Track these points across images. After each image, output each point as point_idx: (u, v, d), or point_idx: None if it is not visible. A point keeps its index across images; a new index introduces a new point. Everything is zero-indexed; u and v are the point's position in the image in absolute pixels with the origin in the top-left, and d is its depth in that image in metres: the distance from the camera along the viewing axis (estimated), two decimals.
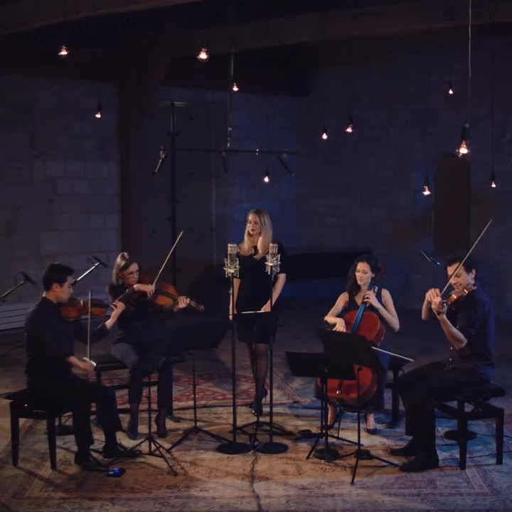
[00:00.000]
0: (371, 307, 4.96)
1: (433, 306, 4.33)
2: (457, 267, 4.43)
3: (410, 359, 4.72)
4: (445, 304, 4.32)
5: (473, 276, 4.48)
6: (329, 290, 5.39)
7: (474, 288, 4.46)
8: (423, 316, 4.58)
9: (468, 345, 4.42)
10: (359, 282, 4.99)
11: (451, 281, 4.47)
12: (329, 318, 5.03)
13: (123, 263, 5.02)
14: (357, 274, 4.99)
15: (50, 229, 8.08)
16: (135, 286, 4.98)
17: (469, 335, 4.38)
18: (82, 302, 4.55)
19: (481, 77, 7.31)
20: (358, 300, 5.02)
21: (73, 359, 4.45)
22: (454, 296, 4.40)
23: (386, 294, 5.06)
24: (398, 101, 9.17)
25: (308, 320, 5.19)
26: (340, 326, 4.93)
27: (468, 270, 4.45)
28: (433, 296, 4.35)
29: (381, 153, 9.36)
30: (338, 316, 5.04)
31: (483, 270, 4.61)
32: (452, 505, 3.94)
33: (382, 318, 4.97)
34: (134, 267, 5.02)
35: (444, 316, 4.32)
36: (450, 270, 4.50)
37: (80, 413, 4.36)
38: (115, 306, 4.75)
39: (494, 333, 4.53)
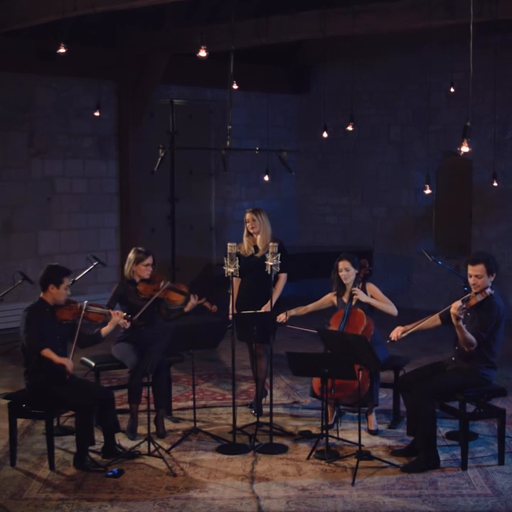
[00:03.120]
0: (360, 304, 4.92)
1: (453, 310, 4.26)
2: (485, 271, 4.38)
3: (313, 330, 4.73)
4: (464, 309, 4.28)
5: (492, 279, 4.45)
6: (329, 289, 5.36)
7: (492, 292, 4.43)
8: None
9: (478, 346, 4.39)
10: (344, 281, 4.97)
11: (471, 281, 4.43)
12: (297, 309, 5.08)
13: (139, 255, 5.00)
14: (340, 273, 4.97)
15: (49, 228, 8.04)
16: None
17: (481, 339, 4.36)
18: (78, 306, 4.49)
19: (483, 75, 7.26)
20: (345, 299, 4.99)
21: (48, 352, 4.33)
22: (473, 301, 4.36)
23: (371, 286, 5.02)
24: (399, 99, 9.13)
25: (308, 320, 5.15)
26: (282, 315, 5.02)
27: (489, 273, 4.41)
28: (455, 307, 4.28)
29: (382, 152, 9.32)
30: (330, 315, 5.03)
31: None
32: (454, 506, 3.92)
33: (370, 314, 4.92)
34: (149, 259, 5.02)
35: (461, 322, 4.27)
36: (471, 270, 4.43)
37: (82, 413, 4.33)
38: (117, 313, 4.61)
39: (502, 337, 4.49)
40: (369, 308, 4.96)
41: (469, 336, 4.31)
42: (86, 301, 4.50)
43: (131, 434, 4.80)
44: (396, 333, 4.63)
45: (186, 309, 5.01)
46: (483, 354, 4.43)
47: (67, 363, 4.35)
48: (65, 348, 4.53)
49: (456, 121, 8.26)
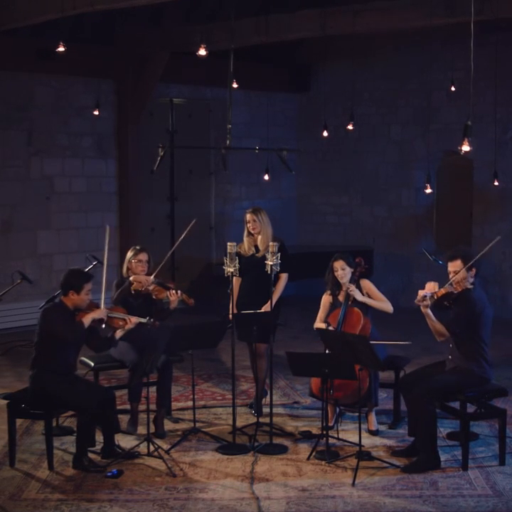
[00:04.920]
0: (356, 303, 4.89)
1: (417, 299, 4.32)
2: (462, 267, 4.37)
3: (407, 342, 4.68)
4: (427, 298, 4.31)
5: (472, 274, 4.43)
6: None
7: (470, 287, 4.41)
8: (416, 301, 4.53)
9: (463, 344, 4.40)
10: (341, 281, 4.94)
11: (451, 277, 4.42)
12: (318, 325, 4.99)
13: (133, 252, 5.03)
14: (336, 273, 4.94)
15: (48, 227, 8.02)
16: (131, 278, 4.91)
17: (453, 331, 4.38)
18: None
19: (484, 74, 7.25)
20: (341, 298, 4.97)
21: (86, 318, 4.31)
22: (443, 291, 4.37)
23: (366, 283, 4.99)
24: (400, 98, 9.11)
25: (308, 320, 5.13)
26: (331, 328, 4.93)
27: (468, 268, 4.40)
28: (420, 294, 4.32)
29: (382, 151, 9.30)
30: (327, 315, 5.00)
31: (486, 269, 4.57)
32: (454, 507, 3.90)
33: (367, 312, 4.90)
34: (143, 255, 5.01)
35: (428, 310, 4.33)
36: (450, 266, 4.45)
37: (85, 414, 4.31)
38: (130, 320, 4.56)
39: (489, 332, 4.48)
40: (365, 307, 4.93)
41: (438, 325, 4.34)
42: (102, 303, 4.45)
43: (132, 427, 4.82)
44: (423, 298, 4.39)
45: (171, 306, 5.00)
46: (476, 351, 4.41)
47: (103, 313, 4.36)
48: (79, 350, 4.49)
49: (456, 120, 8.24)
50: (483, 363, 4.44)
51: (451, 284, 4.37)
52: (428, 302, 4.30)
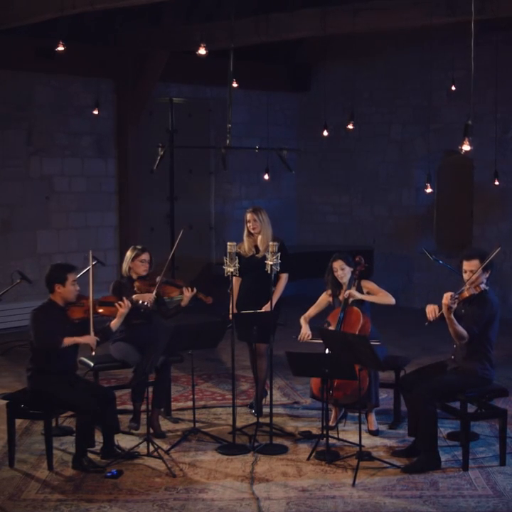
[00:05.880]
0: (357, 302, 4.87)
1: (444, 301, 4.24)
2: (479, 267, 4.35)
3: (377, 342, 4.66)
4: (457, 299, 4.26)
5: (487, 276, 4.43)
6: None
7: (486, 288, 4.41)
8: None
9: (470, 344, 4.38)
10: (341, 280, 4.93)
11: (465, 277, 4.41)
12: (302, 319, 5.01)
13: (135, 252, 5.01)
14: (336, 274, 4.93)
15: (47, 227, 8.01)
16: (134, 296, 4.88)
17: (472, 333, 4.34)
18: (89, 302, 4.43)
19: (484, 73, 7.24)
20: (342, 298, 4.95)
21: (68, 339, 4.30)
22: (466, 293, 4.35)
23: (366, 283, 4.97)
24: (400, 97, 9.10)
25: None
26: (305, 329, 4.96)
27: (484, 269, 4.39)
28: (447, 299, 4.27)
29: (383, 150, 9.29)
30: (323, 314, 5.01)
31: None
32: (455, 507, 3.90)
33: (367, 312, 4.88)
34: (146, 255, 5.01)
35: (452, 315, 4.26)
36: (466, 265, 4.42)
37: (86, 415, 4.29)
38: (120, 305, 4.54)
39: (496, 335, 4.48)
40: (365, 307, 4.92)
41: (460, 328, 4.30)
42: (91, 294, 4.43)
43: (135, 423, 4.83)
44: (433, 313, 4.36)
45: (183, 303, 5.01)
46: (481, 351, 4.41)
47: (91, 340, 4.35)
48: (77, 348, 4.48)
49: (457, 119, 8.22)
50: (487, 365, 4.44)
51: (470, 286, 4.34)
52: (456, 303, 4.24)
